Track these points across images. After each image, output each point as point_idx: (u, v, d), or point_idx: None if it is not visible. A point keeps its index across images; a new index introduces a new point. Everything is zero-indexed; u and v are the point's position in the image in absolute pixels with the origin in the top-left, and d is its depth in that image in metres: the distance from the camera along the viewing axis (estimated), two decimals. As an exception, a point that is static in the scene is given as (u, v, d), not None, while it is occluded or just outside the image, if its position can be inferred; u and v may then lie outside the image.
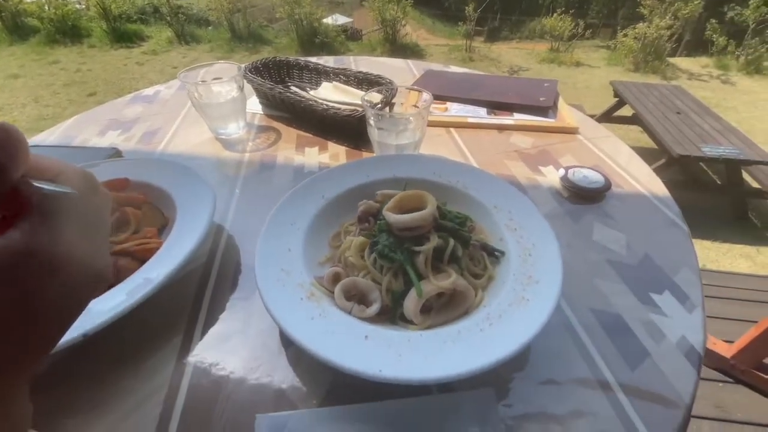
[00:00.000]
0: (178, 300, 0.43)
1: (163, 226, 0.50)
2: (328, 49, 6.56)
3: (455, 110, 0.78)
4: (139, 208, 0.49)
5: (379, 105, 0.63)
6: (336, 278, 0.40)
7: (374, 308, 0.37)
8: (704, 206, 3.08)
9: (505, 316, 0.35)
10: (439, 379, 0.30)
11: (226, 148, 0.71)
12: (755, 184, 2.94)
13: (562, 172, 0.59)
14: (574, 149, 0.68)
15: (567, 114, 0.75)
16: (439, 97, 0.82)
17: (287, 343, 0.38)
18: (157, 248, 0.44)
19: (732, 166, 2.88)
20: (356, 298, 0.39)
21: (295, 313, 0.35)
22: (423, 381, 0.30)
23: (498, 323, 0.34)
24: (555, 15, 6.06)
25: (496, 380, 0.35)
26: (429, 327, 0.36)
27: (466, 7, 5.98)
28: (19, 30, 7.17)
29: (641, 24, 5.88)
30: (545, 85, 0.84)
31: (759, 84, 5.61)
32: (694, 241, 0.50)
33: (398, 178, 0.52)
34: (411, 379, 0.30)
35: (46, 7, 7.03)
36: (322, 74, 0.84)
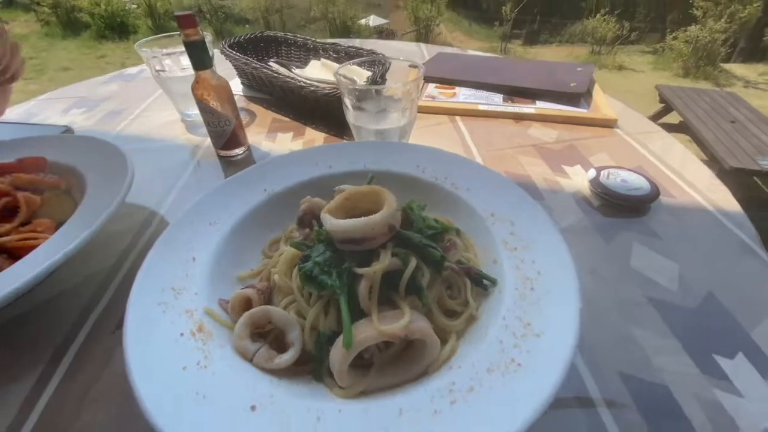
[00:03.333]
0: (58, 314, 0.33)
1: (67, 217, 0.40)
2: (359, 47, 6.54)
3: (464, 96, 0.65)
4: (41, 194, 0.40)
5: (365, 81, 0.51)
6: (246, 305, 0.28)
7: (287, 356, 0.25)
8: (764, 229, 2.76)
9: (480, 390, 0.22)
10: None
11: (189, 131, 0.61)
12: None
13: (592, 173, 0.45)
14: (611, 146, 0.53)
15: (603, 103, 0.61)
16: (447, 81, 0.69)
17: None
18: (36, 246, 0.33)
19: (796, 183, 2.56)
20: (271, 337, 0.27)
21: (162, 355, 0.23)
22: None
23: (464, 403, 0.21)
24: (598, 16, 5.73)
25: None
26: (362, 394, 0.24)
27: (503, 8, 5.75)
28: (72, 25, 7.75)
29: (693, 26, 5.45)
30: (578, 69, 0.69)
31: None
32: None
33: (369, 170, 0.40)
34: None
35: (99, 5, 7.56)
36: (311, 51, 0.73)
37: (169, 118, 0.65)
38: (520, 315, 0.26)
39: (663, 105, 3.66)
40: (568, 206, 0.43)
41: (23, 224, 0.37)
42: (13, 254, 0.34)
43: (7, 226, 0.36)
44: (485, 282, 0.30)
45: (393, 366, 0.25)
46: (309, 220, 0.33)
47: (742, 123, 3.08)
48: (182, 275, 0.29)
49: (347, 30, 6.54)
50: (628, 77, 5.76)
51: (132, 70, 0.88)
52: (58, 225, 0.38)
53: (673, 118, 3.45)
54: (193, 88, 0.48)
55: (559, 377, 0.21)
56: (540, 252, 0.30)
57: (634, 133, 0.56)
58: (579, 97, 0.62)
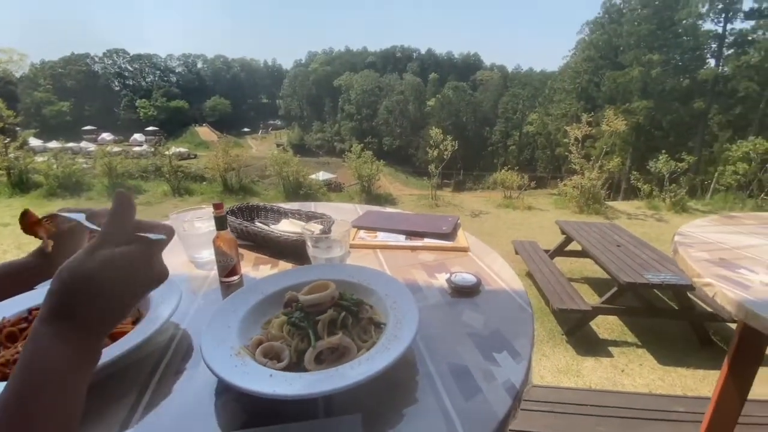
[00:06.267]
0: (135, 371, 0.57)
1: (137, 319, 0.65)
2: (311, 198, 7.32)
3: (382, 237, 1.03)
4: (123, 305, 0.66)
5: (318, 232, 0.87)
6: (258, 343, 0.56)
7: (284, 362, 0.52)
8: (669, 332, 3.19)
9: (371, 360, 0.51)
10: (310, 394, 0.44)
11: (198, 268, 0.91)
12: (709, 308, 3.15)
13: (447, 275, 0.80)
14: (464, 262, 0.91)
15: (462, 238, 1.01)
16: (371, 229, 1.08)
17: (219, 391, 0.51)
18: (126, 333, 0.59)
19: (679, 292, 3.10)
20: (274, 358, 0.54)
21: (222, 362, 0.50)
22: (300, 396, 0.44)
23: (365, 364, 0.50)
24: (502, 171, 7.18)
25: (365, 408, 0.49)
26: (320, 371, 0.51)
27: (429, 166, 7.07)
28: (22, 184, 7.74)
29: (575, 176, 6.98)
30: (449, 219, 1.12)
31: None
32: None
33: (322, 279, 0.72)
34: (294, 394, 0.44)
35: (54, 166, 7.78)
36: (282, 214, 1.11)
37: (181, 260, 0.95)
38: (394, 333, 0.56)
39: (564, 236, 4.45)
40: (434, 293, 0.77)
41: (114, 322, 0.62)
42: (114, 337, 0.59)
43: (108, 322, 0.61)
44: (381, 325, 0.60)
45: (335, 361, 0.53)
46: (291, 303, 0.63)
47: (626, 246, 3.81)
48: (224, 333, 0.56)
49: (299, 185, 7.42)
50: (537, 215, 6.97)
51: (143, 230, 1.19)
52: (134, 322, 0.64)
53: (577, 245, 4.17)
54: (214, 241, 0.80)
55: (402, 351, 0.51)
56: (405, 308, 0.62)
57: (479, 254, 0.95)
58: (448, 235, 1.02)
